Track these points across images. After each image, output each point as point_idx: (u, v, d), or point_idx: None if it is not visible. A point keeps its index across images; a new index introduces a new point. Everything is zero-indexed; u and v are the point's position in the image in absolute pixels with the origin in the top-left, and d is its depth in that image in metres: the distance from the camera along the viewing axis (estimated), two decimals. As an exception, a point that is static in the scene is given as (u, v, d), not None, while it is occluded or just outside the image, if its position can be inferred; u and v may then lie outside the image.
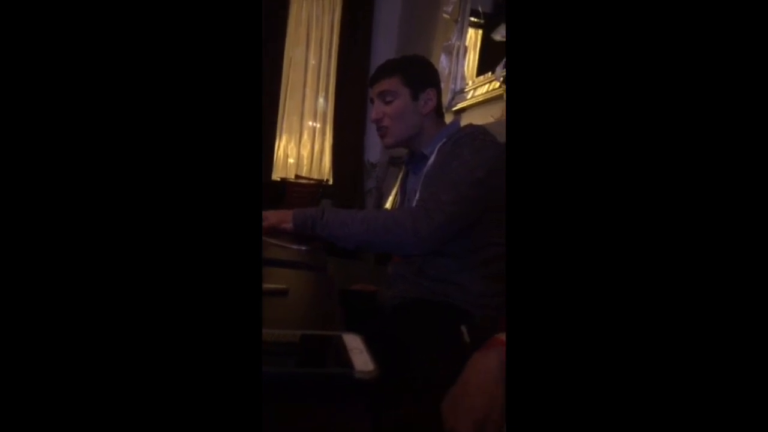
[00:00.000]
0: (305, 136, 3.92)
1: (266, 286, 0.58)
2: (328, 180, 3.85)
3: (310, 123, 3.91)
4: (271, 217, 0.95)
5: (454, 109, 2.32)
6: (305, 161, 3.93)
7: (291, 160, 3.90)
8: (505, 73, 1.77)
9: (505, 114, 1.77)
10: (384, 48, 3.71)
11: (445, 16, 2.56)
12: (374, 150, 3.85)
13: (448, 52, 2.45)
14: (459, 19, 2.42)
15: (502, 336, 0.54)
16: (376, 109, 1.05)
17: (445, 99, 2.30)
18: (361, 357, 0.37)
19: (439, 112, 1.07)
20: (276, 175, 3.78)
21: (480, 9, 2.32)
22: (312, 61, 3.86)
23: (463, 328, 0.91)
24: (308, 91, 3.88)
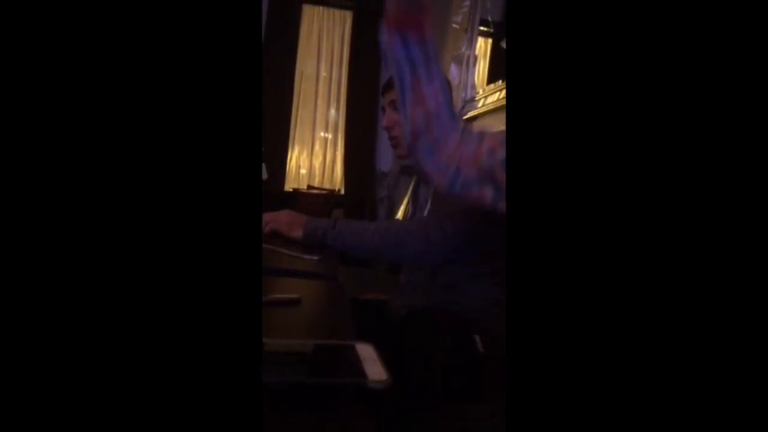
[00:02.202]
0: (317, 147, 3.95)
1: (278, 296, 0.58)
2: (339, 190, 3.86)
3: (322, 134, 3.95)
4: (283, 218, 0.95)
5: (465, 117, 2.32)
6: (317, 171, 3.95)
7: (303, 171, 3.93)
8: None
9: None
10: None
11: (455, 26, 2.58)
12: (385, 159, 3.86)
13: (458, 61, 2.46)
14: (468, 28, 2.43)
15: None
16: (387, 117, 1.05)
17: (456, 108, 2.30)
18: (374, 367, 0.36)
19: None
20: (288, 186, 3.81)
21: (489, 18, 2.33)
22: (323, 73, 3.90)
23: (476, 338, 0.90)
24: (320, 102, 3.92)
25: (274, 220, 0.95)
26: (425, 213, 0.99)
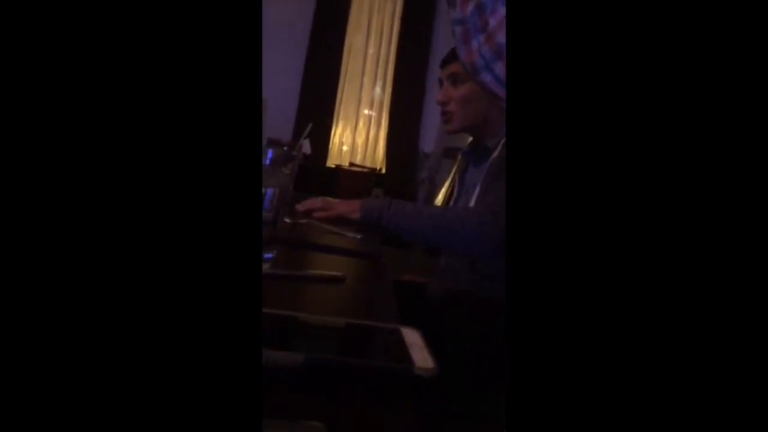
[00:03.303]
0: (361, 125, 3.94)
1: (323, 272, 0.58)
2: (381, 169, 3.86)
3: (367, 111, 3.93)
4: (339, 206, 0.97)
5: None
6: (359, 149, 3.95)
7: (345, 148, 3.94)
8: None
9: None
10: (446, 39, 3.65)
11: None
12: (428, 141, 3.81)
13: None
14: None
15: None
16: (443, 92, 1.03)
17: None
18: (420, 353, 0.36)
19: None
20: (330, 162, 3.83)
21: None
22: (371, 50, 3.86)
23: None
24: (366, 79, 3.89)
25: (329, 206, 0.97)
26: (474, 196, 0.97)
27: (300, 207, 1.00)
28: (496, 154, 0.98)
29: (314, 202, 1.00)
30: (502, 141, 0.98)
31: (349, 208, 0.95)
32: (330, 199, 1.01)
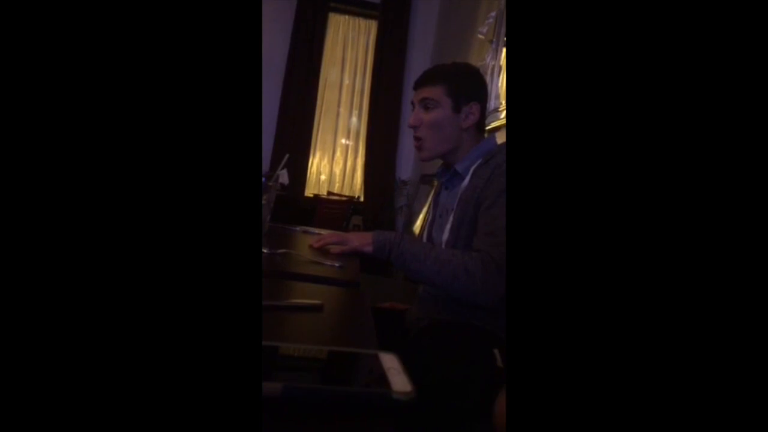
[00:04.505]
0: (338, 154, 3.98)
1: (301, 301, 0.58)
2: (359, 197, 3.88)
3: (343, 141, 3.98)
4: (353, 240, 0.97)
5: (488, 128, 2.31)
6: (337, 178, 3.98)
7: (323, 177, 3.96)
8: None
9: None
10: (418, 69, 3.74)
11: (480, 36, 2.57)
12: (405, 168, 3.86)
13: (483, 72, 2.46)
14: (494, 39, 2.43)
15: None
16: (414, 115, 1.02)
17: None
18: (398, 377, 0.36)
19: (480, 127, 1.05)
20: (309, 192, 3.84)
21: (515, 29, 2.32)
22: (346, 81, 3.94)
23: (496, 352, 0.88)
24: (342, 110, 3.95)
25: (343, 240, 0.97)
26: (448, 224, 0.98)
27: (315, 243, 1.00)
28: (466, 182, 0.99)
29: (329, 237, 1.00)
30: (473, 168, 1.00)
31: (362, 241, 0.96)
32: (343, 233, 1.02)
